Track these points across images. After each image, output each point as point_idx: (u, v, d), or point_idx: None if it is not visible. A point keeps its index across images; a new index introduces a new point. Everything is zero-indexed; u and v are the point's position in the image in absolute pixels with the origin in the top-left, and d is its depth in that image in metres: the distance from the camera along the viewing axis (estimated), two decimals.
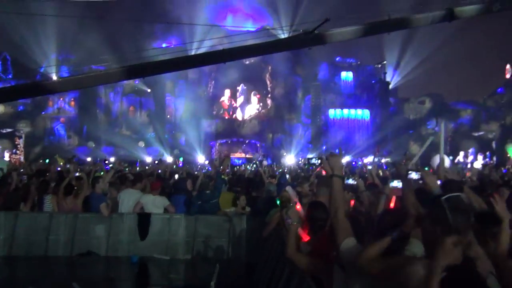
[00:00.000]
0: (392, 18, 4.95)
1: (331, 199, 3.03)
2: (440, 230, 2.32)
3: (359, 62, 50.67)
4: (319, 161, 4.41)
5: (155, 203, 8.22)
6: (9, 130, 39.98)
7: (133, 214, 8.21)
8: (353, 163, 30.50)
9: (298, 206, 4.18)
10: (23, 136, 40.39)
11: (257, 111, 47.20)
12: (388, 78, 47.91)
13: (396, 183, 8.11)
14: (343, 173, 3.34)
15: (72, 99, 42.67)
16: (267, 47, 5.85)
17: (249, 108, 47.32)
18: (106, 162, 15.65)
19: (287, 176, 12.33)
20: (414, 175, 2.85)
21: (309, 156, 33.75)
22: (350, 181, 7.09)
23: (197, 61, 5.97)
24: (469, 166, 29.08)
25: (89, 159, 34.27)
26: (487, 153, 37.92)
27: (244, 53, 5.73)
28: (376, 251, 2.49)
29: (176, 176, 11.68)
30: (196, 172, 14.15)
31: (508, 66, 45.55)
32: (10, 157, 36.15)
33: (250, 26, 46.05)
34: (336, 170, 3.07)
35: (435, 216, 2.42)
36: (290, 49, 5.66)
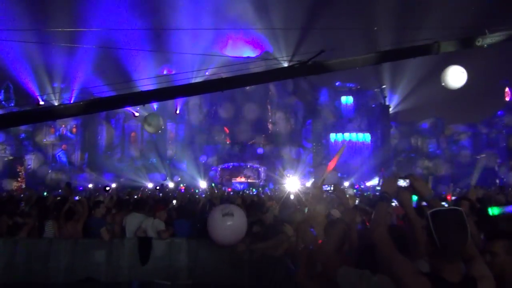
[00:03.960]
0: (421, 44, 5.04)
1: (373, 219, 2.60)
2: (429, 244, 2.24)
3: (359, 87, 51.04)
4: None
5: (153, 227, 8.13)
6: (11, 157, 40.04)
7: (134, 238, 8.11)
8: (356, 186, 30.39)
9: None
10: (25, 163, 40.42)
11: (258, 136, 47.30)
12: (388, 102, 48.24)
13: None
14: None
15: (74, 126, 42.89)
16: (264, 76, 5.96)
17: (250, 133, 47.46)
18: (107, 189, 15.41)
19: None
20: (402, 182, 2.75)
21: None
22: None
23: (194, 90, 5.92)
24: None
25: (90, 185, 34.25)
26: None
27: (242, 82, 5.81)
28: None
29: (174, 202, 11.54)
30: (197, 197, 14.07)
31: (507, 89, 45.83)
32: (12, 184, 36.11)
33: (250, 53, 46.67)
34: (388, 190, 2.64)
35: (425, 228, 2.28)
36: (286, 78, 5.80)
